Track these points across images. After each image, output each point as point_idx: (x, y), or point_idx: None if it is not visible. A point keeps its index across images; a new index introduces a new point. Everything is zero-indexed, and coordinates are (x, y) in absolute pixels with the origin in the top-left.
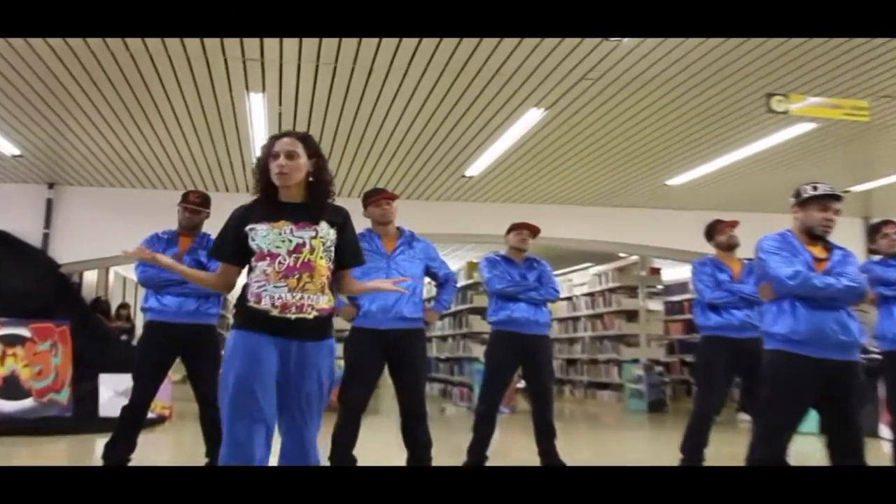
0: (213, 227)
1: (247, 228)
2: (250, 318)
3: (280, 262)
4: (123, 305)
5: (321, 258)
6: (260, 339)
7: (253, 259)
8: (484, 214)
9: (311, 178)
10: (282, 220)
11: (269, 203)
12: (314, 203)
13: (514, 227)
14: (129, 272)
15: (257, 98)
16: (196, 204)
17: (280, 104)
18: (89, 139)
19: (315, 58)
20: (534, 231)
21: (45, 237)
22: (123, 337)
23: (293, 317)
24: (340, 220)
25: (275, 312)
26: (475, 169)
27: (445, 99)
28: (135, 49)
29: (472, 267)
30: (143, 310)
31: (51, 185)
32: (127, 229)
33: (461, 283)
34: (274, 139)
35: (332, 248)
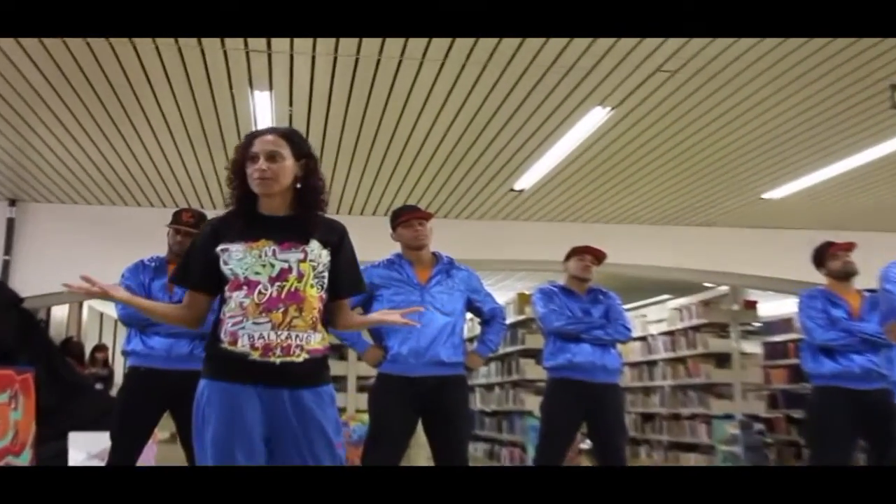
0: None
1: (218, 249)
2: (224, 364)
3: (260, 293)
4: (100, 348)
5: (311, 287)
6: (238, 390)
7: (226, 288)
8: (537, 236)
9: (298, 185)
10: (262, 240)
11: (245, 217)
12: (302, 217)
13: (575, 252)
14: (108, 307)
15: (263, 97)
16: (190, 225)
17: (290, 104)
18: (60, 146)
19: (333, 49)
20: (599, 256)
21: (5, 265)
22: (99, 386)
23: (278, 360)
24: (335, 239)
25: (255, 356)
26: (526, 181)
27: (490, 96)
28: (114, 38)
29: (523, 300)
30: (125, 353)
31: (12, 202)
32: (105, 254)
33: (510, 319)
34: (252, 137)
35: (325, 274)
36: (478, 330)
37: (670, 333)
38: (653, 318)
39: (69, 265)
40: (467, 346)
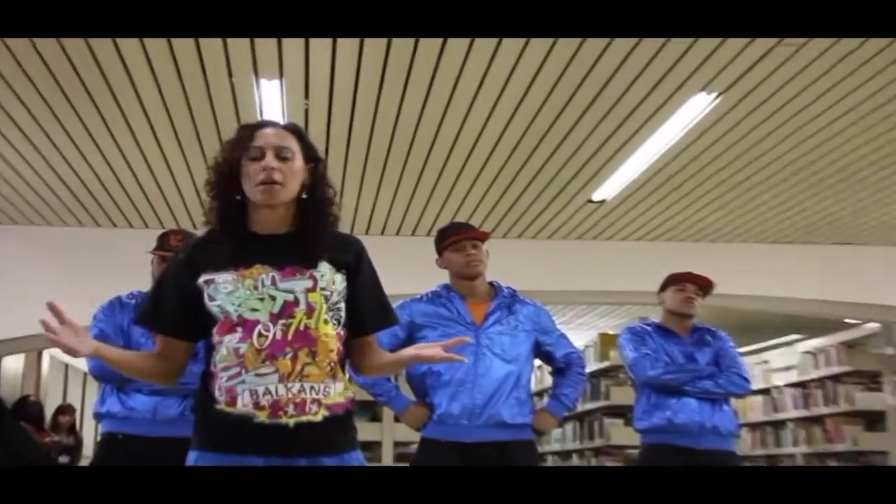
0: None
1: (200, 281)
2: (222, 430)
3: (261, 335)
4: (64, 410)
5: (326, 322)
6: (242, 463)
7: (214, 331)
8: (623, 260)
9: (304, 195)
10: (256, 265)
11: (233, 236)
12: (307, 233)
13: (674, 281)
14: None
15: (271, 87)
16: (167, 250)
17: (306, 96)
18: (16, 156)
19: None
20: (705, 286)
21: None
22: (64, 459)
23: (292, 421)
24: (350, 259)
25: (262, 417)
26: (608, 190)
27: (561, 82)
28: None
29: (606, 343)
30: (98, 416)
31: None
32: (71, 288)
33: (591, 367)
34: (251, 129)
35: (342, 305)
36: (548, 381)
37: (801, 385)
38: (778, 364)
39: (26, 302)
40: (536, 402)
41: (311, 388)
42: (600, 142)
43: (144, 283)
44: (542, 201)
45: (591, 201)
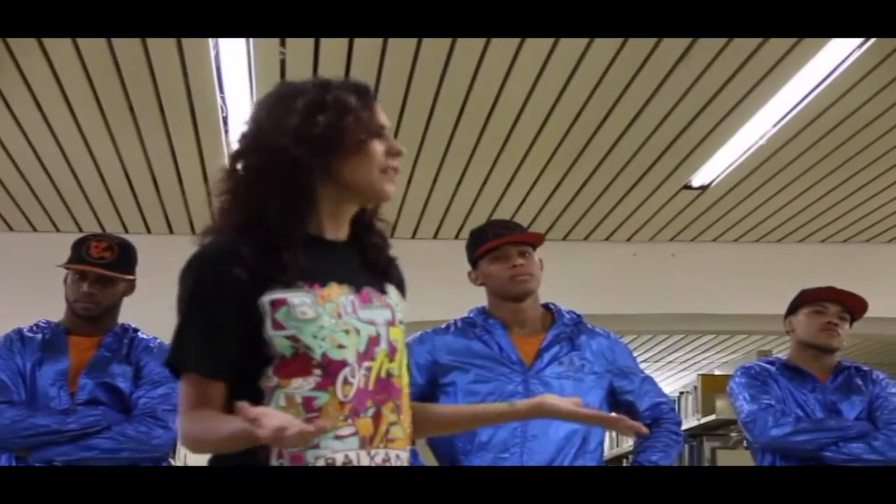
0: (143, 311)
1: (265, 299)
2: None
3: (347, 382)
4: None
5: (406, 370)
6: None
7: (270, 371)
8: (734, 270)
9: None
10: (332, 283)
11: (298, 240)
12: (375, 244)
13: (810, 299)
14: None
15: (232, 40)
16: (104, 264)
17: (283, 45)
18: None
19: None
20: (854, 307)
21: None
22: None
23: None
24: (404, 285)
25: None
26: (710, 172)
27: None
28: None
29: (711, 388)
30: None
31: None
32: None
33: (689, 424)
34: (363, 94)
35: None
36: (628, 444)
37: None
38: None
39: None
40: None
41: (397, 457)
42: (702, 104)
43: (55, 308)
44: (617, 189)
45: (688, 187)
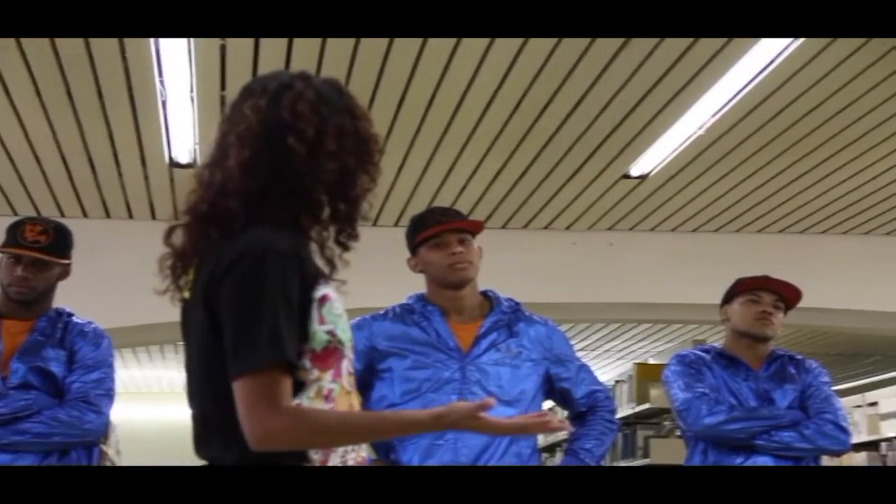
0: (79, 296)
1: (315, 294)
2: None
3: (350, 373)
4: None
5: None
6: None
7: (309, 364)
8: (670, 259)
9: None
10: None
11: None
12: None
13: (744, 288)
14: None
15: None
16: (39, 248)
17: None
18: None
19: None
20: (788, 296)
21: None
22: None
23: None
24: None
25: None
26: (648, 162)
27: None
28: None
29: (646, 377)
30: None
31: None
32: None
33: (623, 412)
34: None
35: None
36: (566, 432)
37: None
38: (890, 408)
39: None
40: (546, 460)
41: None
42: (642, 93)
43: None
44: (558, 176)
45: (627, 177)
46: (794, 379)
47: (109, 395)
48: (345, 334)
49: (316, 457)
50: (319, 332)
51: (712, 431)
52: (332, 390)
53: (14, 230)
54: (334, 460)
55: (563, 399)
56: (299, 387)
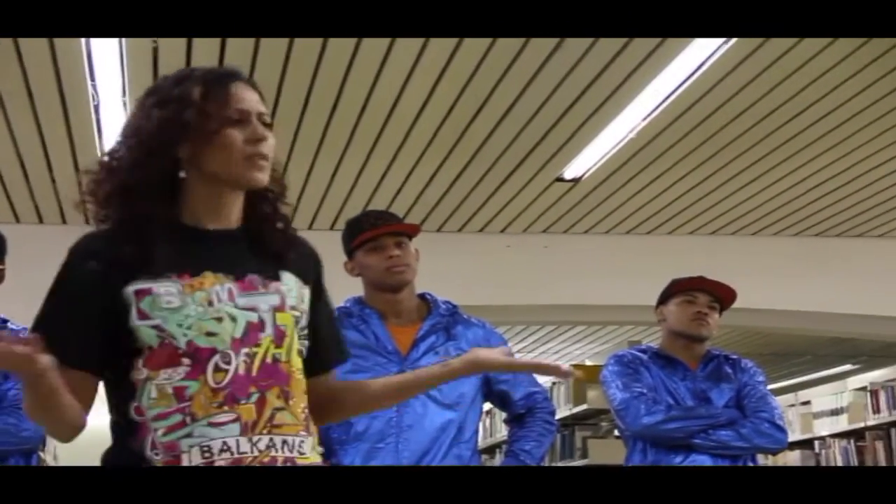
0: (11, 302)
1: (129, 289)
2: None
3: (219, 369)
4: None
5: (299, 353)
6: None
7: (139, 363)
8: (605, 261)
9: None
10: (206, 272)
11: (170, 229)
12: (268, 231)
13: (680, 289)
14: None
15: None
16: None
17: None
18: None
19: None
20: (723, 296)
21: None
22: None
23: None
24: (312, 269)
25: None
26: (581, 165)
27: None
28: None
29: (585, 378)
30: None
31: None
32: None
33: (561, 413)
34: (220, 78)
35: (307, 331)
36: (503, 433)
37: (856, 435)
38: (822, 407)
39: None
40: (485, 461)
41: (284, 443)
42: (575, 96)
43: None
44: (492, 179)
45: (560, 180)
46: (730, 378)
47: None
48: (191, 330)
49: (154, 455)
50: (142, 327)
51: (650, 431)
52: (186, 388)
53: None
54: (192, 458)
55: (502, 401)
56: (132, 388)
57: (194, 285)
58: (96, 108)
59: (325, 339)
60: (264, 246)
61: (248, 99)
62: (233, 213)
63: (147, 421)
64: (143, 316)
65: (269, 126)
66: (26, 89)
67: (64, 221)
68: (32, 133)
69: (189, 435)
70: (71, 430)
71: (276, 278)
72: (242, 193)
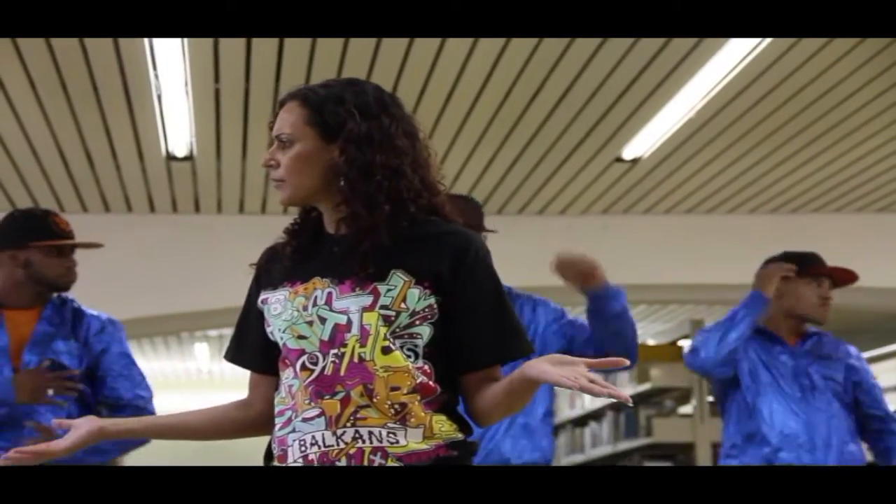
0: (79, 289)
1: (260, 301)
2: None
3: (305, 368)
4: None
5: (387, 352)
6: None
7: (280, 366)
8: (663, 241)
9: (342, 183)
10: (315, 278)
11: (297, 239)
12: (360, 232)
13: (810, 269)
14: None
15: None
16: (69, 237)
17: None
18: None
19: None
20: (846, 280)
21: None
22: None
23: None
24: (445, 266)
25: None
26: (640, 145)
27: None
28: None
29: (645, 356)
30: None
31: None
32: None
33: (625, 391)
34: (277, 107)
35: (427, 329)
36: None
37: None
38: (888, 383)
39: None
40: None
41: (371, 434)
42: (633, 76)
43: None
44: (551, 161)
45: (620, 160)
46: (830, 357)
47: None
48: (285, 333)
49: (274, 451)
50: (269, 333)
51: (715, 357)
52: (293, 386)
53: (43, 224)
54: (293, 454)
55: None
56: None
57: (298, 291)
58: (159, 97)
59: (466, 334)
60: (369, 248)
61: (277, 122)
62: (333, 221)
63: (274, 417)
64: (267, 323)
65: (284, 143)
66: (90, 78)
67: (130, 210)
68: (97, 122)
69: (293, 430)
70: (232, 433)
71: (381, 279)
72: (329, 204)
